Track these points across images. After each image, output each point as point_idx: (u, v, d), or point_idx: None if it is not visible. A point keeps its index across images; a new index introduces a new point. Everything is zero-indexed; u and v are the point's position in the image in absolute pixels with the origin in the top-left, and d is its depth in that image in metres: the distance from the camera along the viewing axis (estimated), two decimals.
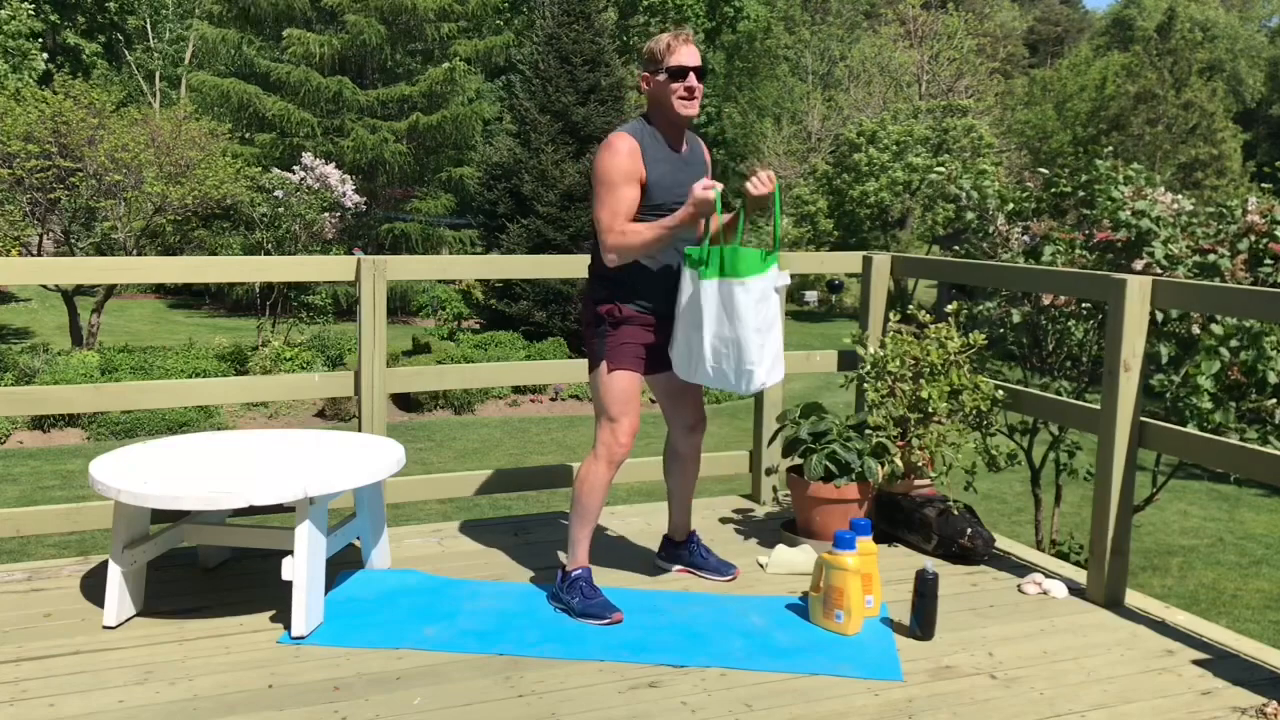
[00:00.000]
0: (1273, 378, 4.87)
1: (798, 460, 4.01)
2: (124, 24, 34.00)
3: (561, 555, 3.90)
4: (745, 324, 3.15)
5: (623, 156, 3.21)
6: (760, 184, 3.17)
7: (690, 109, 3.28)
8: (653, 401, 3.74)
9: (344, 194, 16.91)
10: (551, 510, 4.75)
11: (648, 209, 3.28)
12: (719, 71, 35.44)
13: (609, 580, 3.62)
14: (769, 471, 4.63)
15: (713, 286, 3.17)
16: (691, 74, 3.25)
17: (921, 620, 3.23)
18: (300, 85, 21.93)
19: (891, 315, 4.44)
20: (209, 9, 23.93)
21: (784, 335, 4.60)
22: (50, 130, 13.15)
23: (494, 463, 10.10)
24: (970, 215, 6.30)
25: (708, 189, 3.11)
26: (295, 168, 17.00)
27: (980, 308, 5.82)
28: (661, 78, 3.27)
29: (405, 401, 12.35)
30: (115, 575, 3.19)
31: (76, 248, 14.19)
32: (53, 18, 32.01)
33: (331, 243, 17.45)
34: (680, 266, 3.37)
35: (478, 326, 17.42)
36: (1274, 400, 5.05)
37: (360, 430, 4.02)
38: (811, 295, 26.70)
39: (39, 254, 14.59)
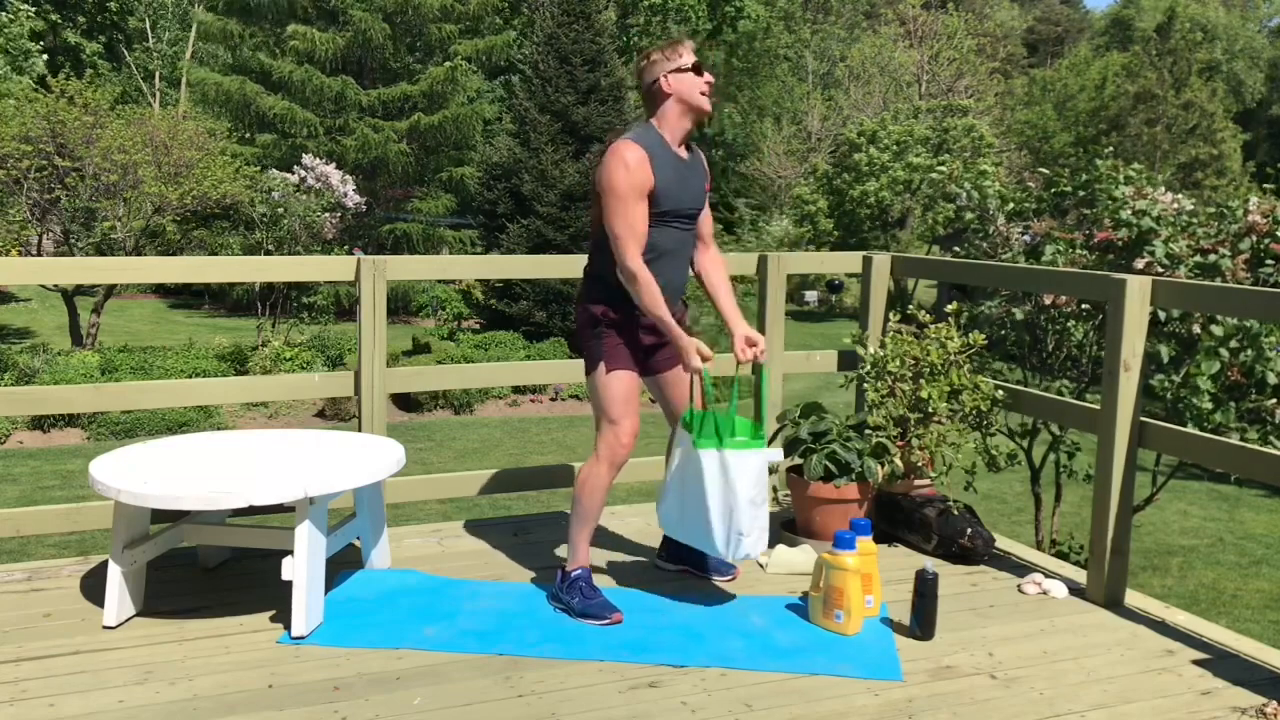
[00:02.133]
0: (1272, 378, 4.88)
1: (798, 460, 4.01)
2: (124, 24, 34.01)
3: (561, 555, 3.90)
4: (740, 496, 3.27)
5: (634, 171, 3.23)
6: (743, 354, 3.40)
7: (709, 104, 3.37)
8: (652, 401, 3.74)
9: (345, 194, 16.91)
10: (551, 510, 4.75)
11: (656, 216, 3.30)
12: (719, 71, 35.43)
13: (609, 580, 3.62)
14: (772, 470, 4.62)
15: (712, 458, 3.29)
16: (705, 71, 3.36)
17: (921, 620, 3.23)
18: (303, 84, 21.91)
19: (891, 315, 4.44)
20: (211, 2, 23.90)
21: (784, 335, 4.63)
22: (47, 130, 13.14)
23: (494, 463, 10.10)
24: (971, 215, 6.30)
25: (703, 362, 3.25)
26: (296, 168, 16.99)
27: (980, 308, 5.82)
28: (688, 75, 3.32)
29: (405, 401, 12.35)
30: (115, 575, 3.19)
31: (76, 248, 14.18)
32: (53, 17, 32.01)
33: (332, 243, 17.44)
34: (678, 268, 3.40)
35: (478, 326, 17.42)
36: (1274, 400, 5.04)
37: (360, 430, 4.02)
38: (811, 295, 26.70)
39: (39, 254, 14.59)
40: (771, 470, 3.41)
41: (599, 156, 3.35)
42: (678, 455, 3.41)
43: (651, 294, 3.23)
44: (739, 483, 3.26)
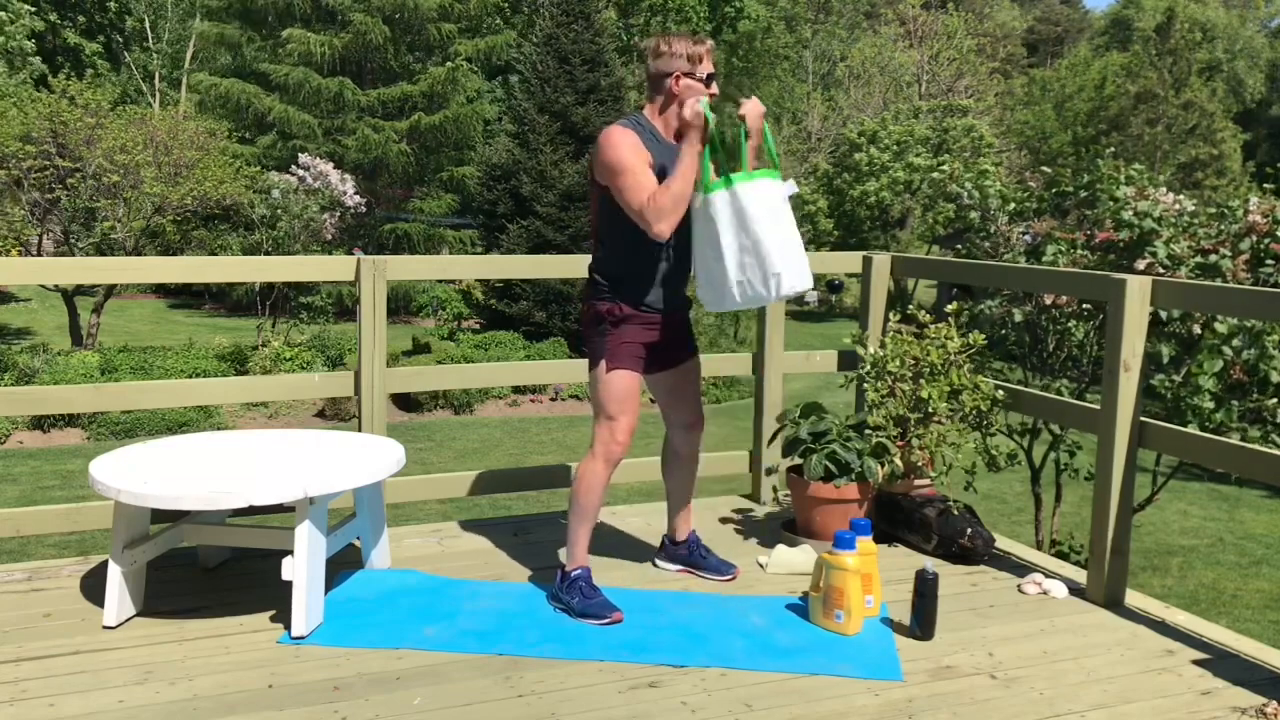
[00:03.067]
0: (1275, 377, 4.87)
1: (798, 460, 4.01)
2: (123, 24, 34.00)
3: (561, 555, 3.90)
4: (761, 223, 3.12)
5: (630, 143, 3.22)
6: (750, 106, 3.26)
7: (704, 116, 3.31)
8: (652, 401, 3.73)
9: (344, 192, 16.90)
10: (551, 510, 4.75)
11: None
12: (719, 71, 35.43)
13: (609, 580, 3.62)
14: (769, 471, 4.62)
15: (722, 196, 3.17)
16: (714, 83, 3.34)
17: (921, 620, 3.23)
18: (300, 86, 21.92)
19: (891, 315, 4.44)
20: (208, 4, 23.91)
21: (784, 336, 4.63)
22: (48, 130, 13.15)
23: (494, 463, 10.10)
24: (973, 215, 6.30)
25: (694, 106, 3.15)
26: (294, 167, 16.98)
27: (980, 307, 5.82)
28: (696, 79, 3.29)
29: (405, 401, 12.35)
30: (115, 575, 3.19)
31: (76, 248, 14.19)
32: (51, 17, 32.00)
33: (332, 243, 17.44)
34: (680, 265, 3.38)
35: (478, 326, 17.42)
36: (1275, 400, 5.04)
37: (360, 430, 4.02)
38: (811, 295, 26.70)
39: (39, 254, 14.59)
40: (789, 198, 3.23)
41: (593, 153, 3.33)
42: (696, 222, 3.26)
43: (670, 188, 3.13)
44: (757, 212, 3.11)
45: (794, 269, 3.17)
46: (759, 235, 3.13)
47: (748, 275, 3.18)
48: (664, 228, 3.17)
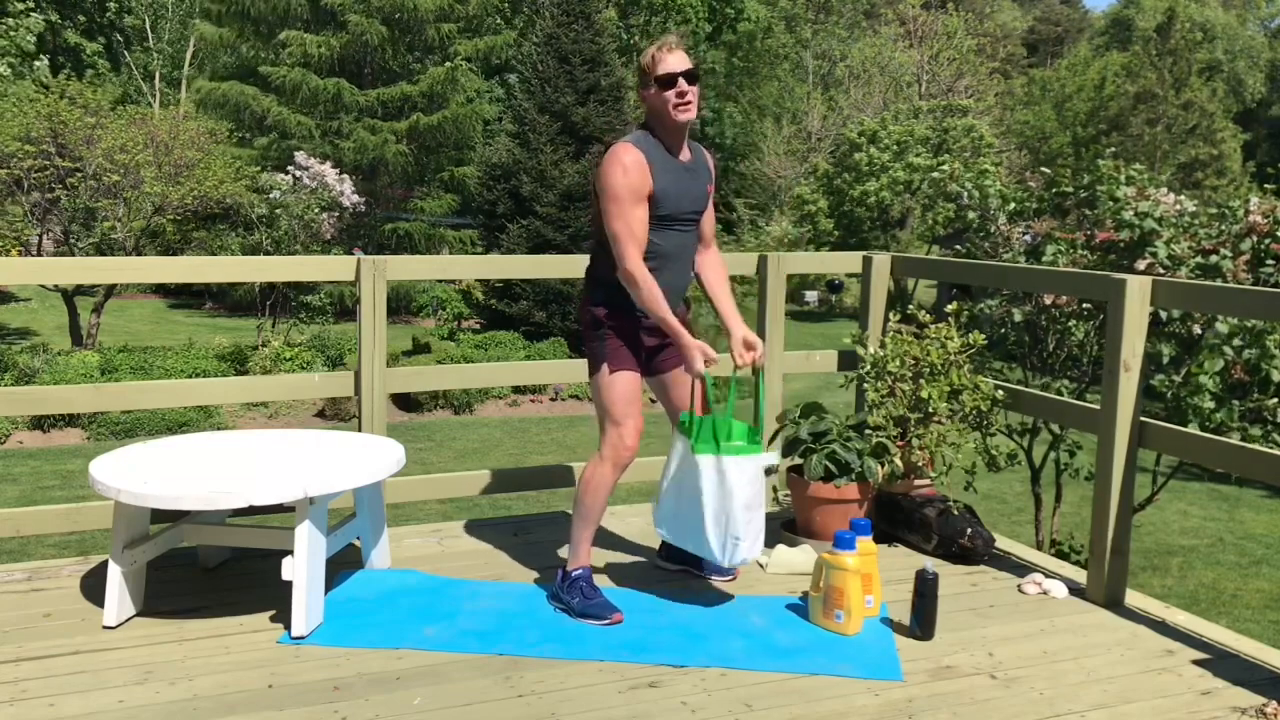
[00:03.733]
0: (1276, 376, 4.87)
1: (798, 460, 4.01)
2: (122, 24, 34.00)
3: (561, 555, 3.90)
4: (736, 500, 3.27)
5: (632, 174, 3.21)
6: (741, 358, 3.41)
7: (688, 114, 3.27)
8: (653, 401, 3.74)
9: (342, 192, 16.90)
10: (552, 510, 4.75)
11: (656, 219, 3.29)
12: (719, 71, 35.43)
13: (609, 580, 3.62)
14: (769, 471, 4.61)
15: (709, 463, 3.28)
16: (681, 79, 3.24)
17: (921, 620, 3.22)
18: (298, 88, 21.92)
19: (891, 315, 4.44)
20: (207, 7, 23.94)
21: (784, 338, 4.63)
22: (48, 130, 13.15)
23: (494, 463, 10.10)
24: (972, 215, 6.30)
25: (706, 362, 3.24)
26: (290, 167, 16.98)
27: (980, 307, 5.82)
28: (653, 90, 3.27)
29: (405, 401, 12.35)
30: (115, 575, 3.19)
31: (76, 248, 14.19)
32: (51, 17, 31.99)
33: (331, 242, 17.44)
34: (679, 267, 3.39)
35: (478, 326, 17.41)
36: (1275, 399, 5.04)
37: (360, 430, 4.02)
38: (811, 295, 26.70)
39: (39, 254, 14.59)
40: (769, 472, 3.41)
41: (598, 157, 3.34)
42: (675, 460, 3.41)
43: (652, 295, 3.22)
44: (735, 488, 3.26)
45: (749, 542, 3.31)
46: (730, 508, 3.27)
47: (710, 535, 3.30)
48: (623, 278, 3.25)
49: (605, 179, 3.24)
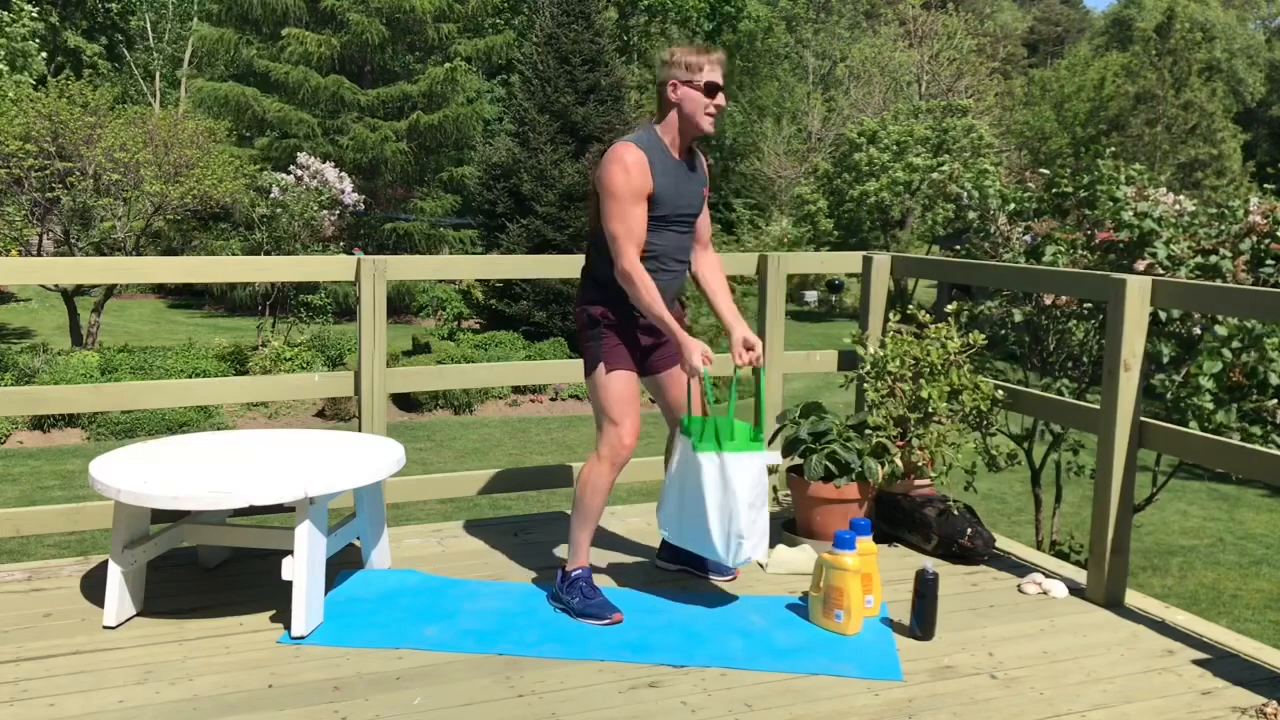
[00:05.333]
0: (1274, 379, 4.88)
1: (798, 460, 4.01)
2: (125, 25, 34.01)
3: (561, 555, 3.90)
4: (739, 499, 3.25)
5: (633, 175, 3.22)
6: (740, 358, 3.39)
7: (713, 126, 3.33)
8: (652, 401, 3.74)
9: (343, 190, 16.90)
10: (551, 510, 4.75)
11: (654, 220, 3.30)
12: (730, 79, 35.44)
13: (609, 580, 3.62)
14: (769, 471, 4.62)
15: (711, 462, 3.27)
16: (720, 94, 3.31)
17: (921, 620, 3.23)
18: (299, 85, 21.92)
19: (891, 315, 4.44)
20: (207, 9, 23.96)
21: (784, 336, 4.63)
22: (48, 130, 13.15)
23: (494, 463, 10.10)
24: (972, 215, 6.30)
25: (703, 361, 3.22)
26: (292, 167, 16.99)
27: (981, 307, 5.82)
28: (695, 91, 3.29)
29: (405, 401, 12.35)
30: (115, 575, 3.19)
31: (76, 248, 14.19)
32: (52, 19, 32.00)
33: (330, 241, 17.43)
34: (676, 267, 3.40)
35: (478, 326, 17.41)
36: (1275, 401, 5.04)
37: (360, 430, 4.02)
38: (811, 295, 26.70)
39: (39, 254, 14.59)
40: (771, 471, 3.41)
41: (598, 157, 3.34)
42: (676, 460, 3.41)
43: (649, 294, 3.22)
44: (738, 486, 3.25)
45: (754, 541, 3.29)
46: (734, 507, 3.26)
47: (714, 534, 3.29)
48: (620, 277, 3.25)
49: (606, 178, 3.24)
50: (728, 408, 3.39)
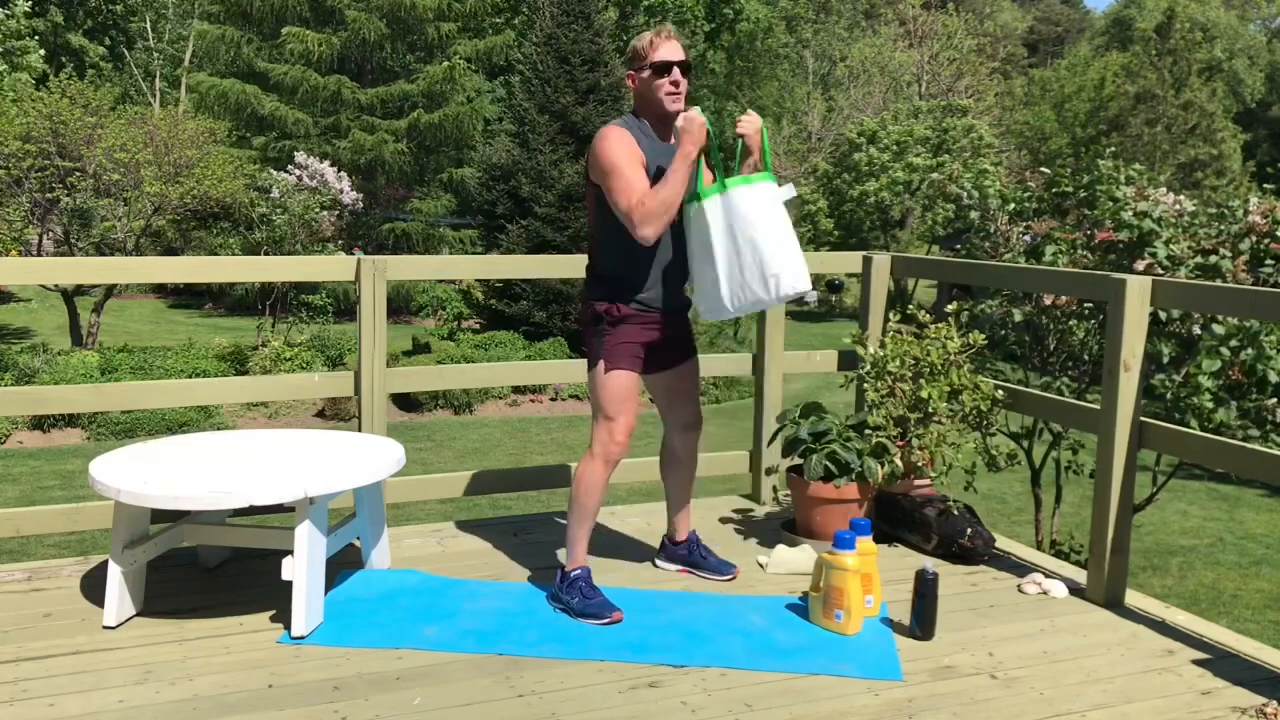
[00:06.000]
0: (1273, 377, 4.88)
1: (798, 460, 4.01)
2: (127, 25, 34.02)
3: (561, 555, 3.90)
4: (756, 228, 3.09)
5: (624, 143, 3.21)
6: (748, 121, 3.24)
7: (677, 104, 3.28)
8: (651, 401, 3.73)
9: (341, 190, 16.90)
10: (551, 510, 4.75)
11: None
12: (719, 71, 35.43)
13: (609, 580, 3.62)
14: (769, 471, 4.62)
15: (715, 203, 3.14)
16: (675, 69, 3.25)
17: (921, 620, 3.23)
18: (298, 85, 21.92)
19: (891, 315, 4.44)
20: (207, 9, 23.96)
21: (784, 338, 4.63)
22: (48, 130, 13.15)
23: (494, 463, 10.10)
24: (973, 215, 6.30)
25: (689, 115, 3.11)
26: (290, 166, 16.99)
27: (981, 307, 5.82)
28: (646, 74, 3.27)
29: (405, 401, 12.35)
30: (115, 575, 3.19)
31: (76, 248, 14.19)
32: (55, 19, 32.00)
33: (329, 241, 17.44)
34: (679, 264, 3.38)
35: (478, 326, 17.41)
36: (1274, 400, 5.04)
37: (360, 430, 4.02)
38: (811, 295, 26.69)
39: (39, 254, 14.60)
40: (785, 203, 3.19)
41: (589, 153, 3.31)
42: (691, 234, 3.25)
43: (659, 193, 3.11)
44: (753, 215, 3.08)
45: (792, 269, 3.14)
46: (755, 238, 3.10)
47: (746, 278, 3.16)
48: (649, 232, 3.15)
49: (600, 155, 3.22)
50: (734, 168, 3.23)
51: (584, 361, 3.60)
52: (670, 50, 3.26)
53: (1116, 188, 5.77)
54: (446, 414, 12.37)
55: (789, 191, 3.22)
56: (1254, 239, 5.28)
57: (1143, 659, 3.14)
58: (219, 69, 24.33)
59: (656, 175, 3.25)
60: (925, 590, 3.22)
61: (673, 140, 3.33)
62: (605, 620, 3.26)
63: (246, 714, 2.70)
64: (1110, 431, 3.49)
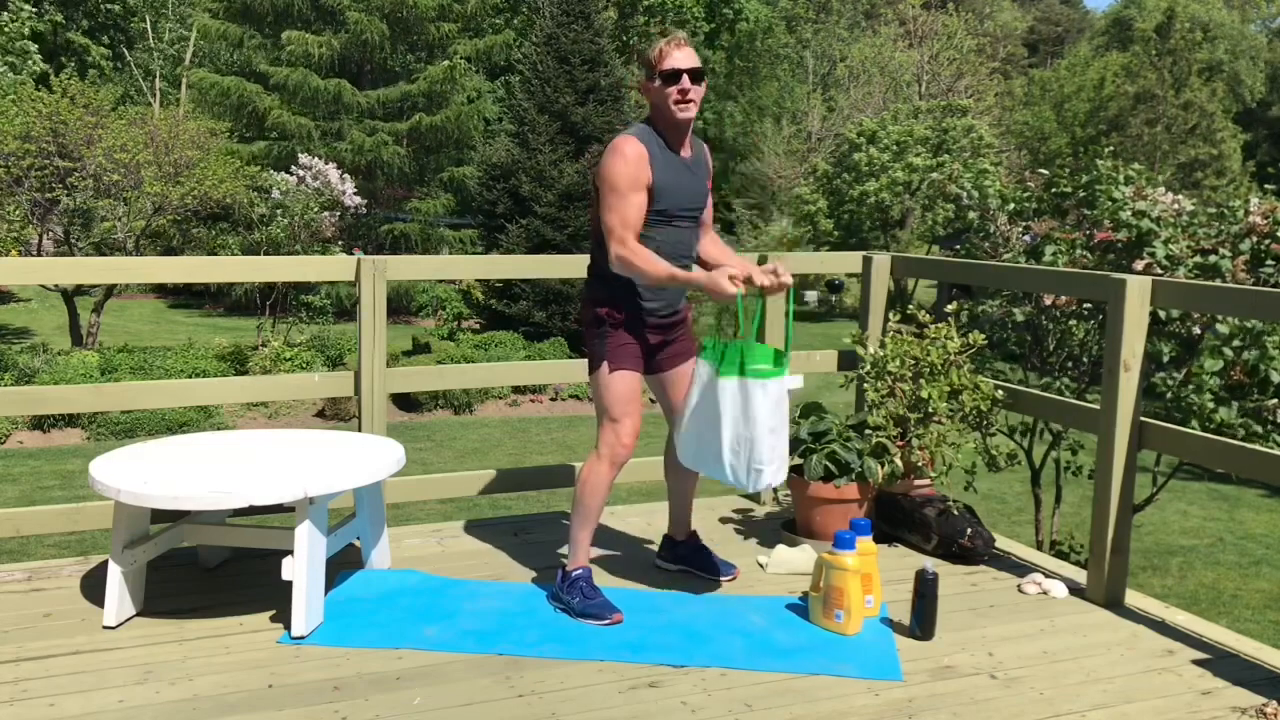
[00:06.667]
0: (1275, 377, 4.88)
1: (798, 460, 4.01)
2: (127, 25, 34.01)
3: (561, 555, 3.90)
4: (760, 424, 3.19)
5: (631, 164, 3.21)
6: (769, 277, 3.24)
7: (688, 112, 3.28)
8: (652, 401, 3.74)
9: (344, 192, 16.90)
10: (551, 510, 4.75)
11: (654, 214, 3.29)
12: (719, 71, 35.42)
13: (609, 580, 3.62)
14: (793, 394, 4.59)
15: (731, 385, 3.21)
16: (685, 77, 3.24)
17: (921, 620, 3.23)
18: (299, 88, 21.90)
19: (891, 315, 4.44)
20: (208, 5, 23.94)
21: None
22: (48, 129, 13.15)
23: (494, 463, 10.10)
24: (972, 215, 6.30)
25: (734, 283, 3.11)
26: (294, 167, 16.98)
27: (981, 307, 5.82)
28: (656, 84, 3.27)
29: (405, 401, 12.35)
30: (115, 575, 3.19)
31: (76, 248, 14.19)
32: (56, 18, 31.99)
33: (329, 241, 17.44)
34: (680, 265, 3.38)
35: (478, 326, 17.41)
36: (1275, 400, 5.04)
37: (360, 430, 4.02)
38: (811, 295, 26.69)
39: (39, 254, 14.59)
40: (790, 393, 3.30)
41: (598, 157, 3.33)
42: (697, 386, 3.31)
43: (649, 264, 3.17)
44: (759, 412, 3.17)
45: (775, 468, 3.25)
46: (754, 433, 3.20)
47: (735, 461, 3.24)
48: (617, 266, 3.22)
49: (605, 170, 3.24)
50: (752, 328, 3.30)
51: (584, 361, 3.60)
52: (679, 58, 3.25)
53: (1115, 187, 5.78)
54: (446, 414, 12.37)
55: (798, 382, 3.36)
56: (1254, 239, 5.28)
57: (1143, 659, 3.14)
58: (220, 66, 24.30)
59: (664, 184, 3.27)
60: (925, 590, 3.22)
61: (687, 152, 3.35)
62: (605, 620, 3.26)
63: (246, 714, 2.70)
64: (1110, 431, 3.49)
